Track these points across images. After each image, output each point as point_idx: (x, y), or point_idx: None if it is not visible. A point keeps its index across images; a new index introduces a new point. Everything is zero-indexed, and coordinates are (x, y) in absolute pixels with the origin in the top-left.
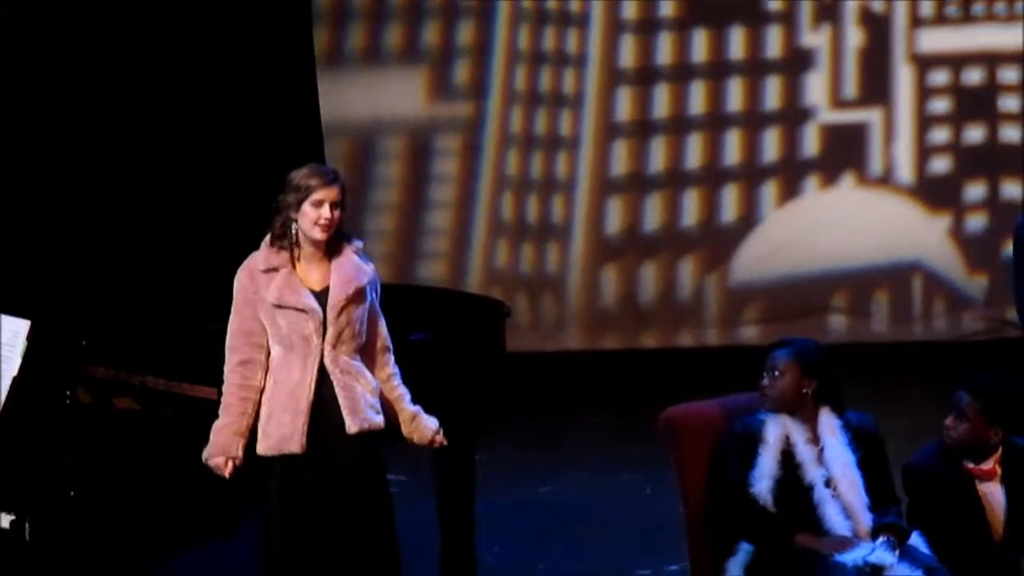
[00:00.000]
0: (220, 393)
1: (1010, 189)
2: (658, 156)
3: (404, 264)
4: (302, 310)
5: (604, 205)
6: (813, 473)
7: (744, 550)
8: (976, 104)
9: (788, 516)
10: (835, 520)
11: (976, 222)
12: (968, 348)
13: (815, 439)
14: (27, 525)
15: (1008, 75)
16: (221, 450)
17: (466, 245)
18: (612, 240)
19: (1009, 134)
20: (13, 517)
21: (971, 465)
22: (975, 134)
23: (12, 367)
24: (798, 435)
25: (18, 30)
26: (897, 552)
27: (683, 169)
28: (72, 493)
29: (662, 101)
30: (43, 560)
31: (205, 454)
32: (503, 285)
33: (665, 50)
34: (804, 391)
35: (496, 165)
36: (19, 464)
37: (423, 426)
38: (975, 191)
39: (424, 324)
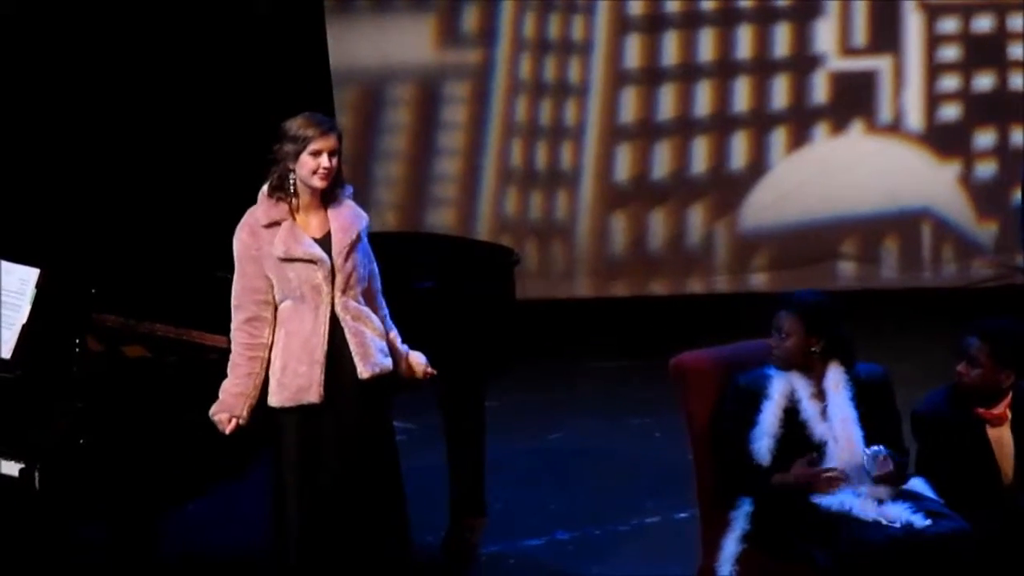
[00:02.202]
0: (229, 342)
1: (1019, 137)
2: (667, 103)
3: (413, 211)
4: (310, 260)
5: (613, 152)
6: (816, 429)
7: (748, 502)
8: (985, 52)
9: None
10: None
11: (985, 169)
12: (977, 295)
13: (820, 395)
14: (37, 473)
15: (1017, 23)
16: (226, 408)
17: (475, 192)
18: (621, 187)
19: (1018, 82)
20: (23, 465)
21: (981, 410)
22: (984, 82)
23: (22, 315)
24: (803, 391)
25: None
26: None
27: (692, 116)
28: (81, 441)
29: (671, 48)
30: (52, 508)
31: (211, 410)
32: (512, 232)
33: None
34: (811, 349)
35: (505, 112)
36: (29, 412)
37: (414, 361)
38: (984, 138)
39: (433, 271)
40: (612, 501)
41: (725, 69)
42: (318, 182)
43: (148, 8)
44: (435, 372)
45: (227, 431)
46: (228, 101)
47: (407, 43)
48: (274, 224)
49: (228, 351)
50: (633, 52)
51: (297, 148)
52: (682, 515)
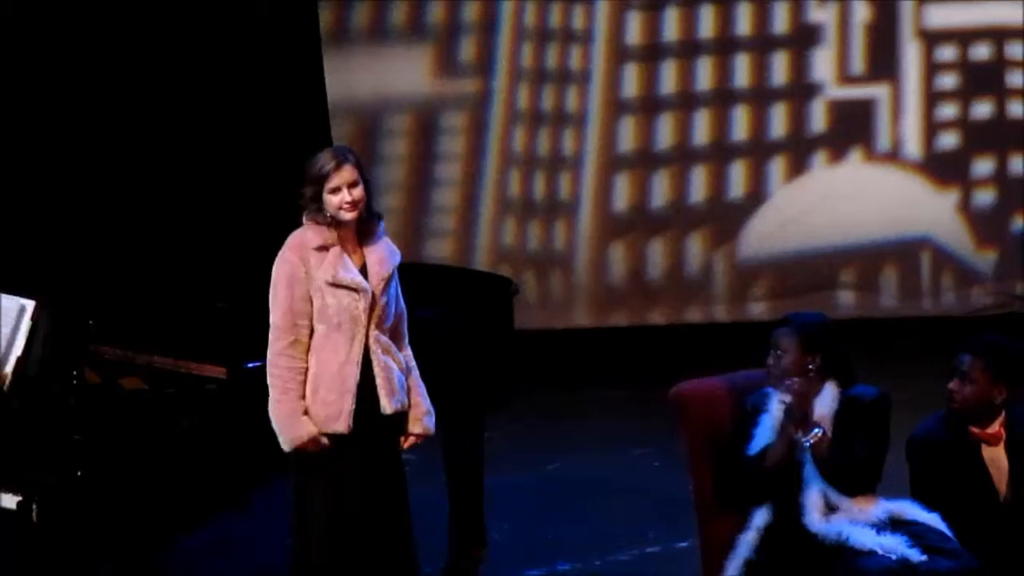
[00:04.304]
0: (228, 372)
1: (1018, 164)
2: (665, 132)
3: (412, 242)
4: (355, 289)
5: (611, 182)
6: (798, 448)
7: (755, 528)
8: (983, 79)
9: (778, 485)
10: (813, 494)
11: (984, 197)
12: (977, 322)
13: (811, 411)
14: (34, 506)
15: (1015, 50)
16: (309, 435)
17: (473, 223)
18: (620, 217)
19: (1016, 109)
20: (20, 498)
21: (976, 429)
22: (983, 109)
23: (17, 347)
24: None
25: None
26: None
27: (691, 145)
28: (79, 473)
29: (669, 77)
30: (50, 541)
31: (288, 444)
32: (511, 262)
33: (672, 26)
34: (808, 366)
35: (503, 142)
36: (26, 445)
37: (421, 422)
38: (983, 166)
39: (433, 302)
40: (613, 531)
41: (723, 98)
42: (346, 215)
43: (148, 41)
44: (414, 443)
45: (327, 445)
46: (226, 134)
47: (404, 74)
48: (323, 248)
49: (225, 382)
50: (631, 81)
51: (316, 190)
52: (683, 544)
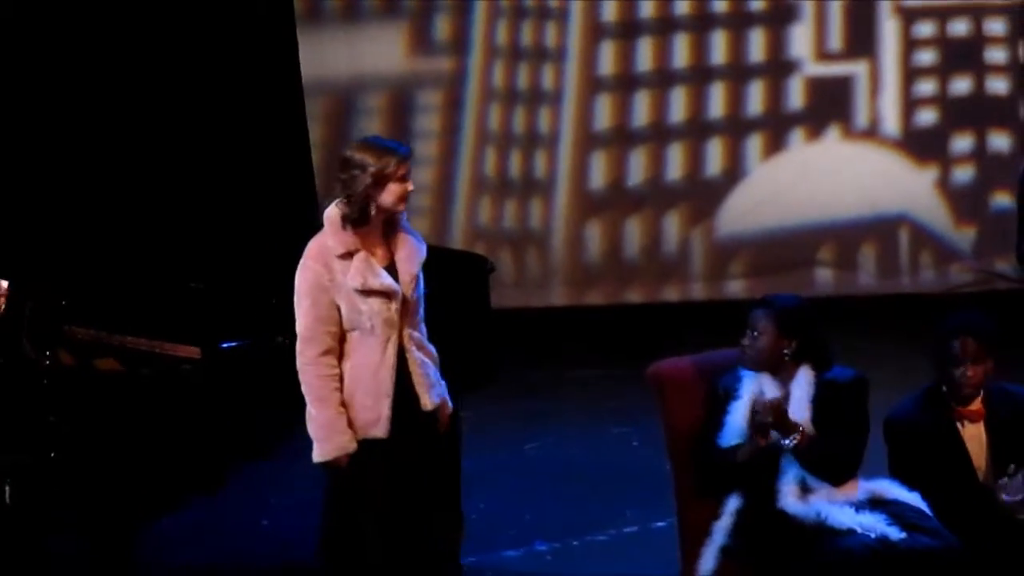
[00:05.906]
0: (203, 353)
1: (997, 141)
2: (642, 110)
3: None
4: (385, 293)
5: (588, 160)
6: (774, 432)
7: (729, 513)
8: (962, 56)
9: (753, 470)
10: (789, 480)
11: (963, 174)
12: (956, 300)
13: (786, 398)
14: (7, 487)
15: (994, 26)
16: (342, 449)
17: (449, 201)
18: (596, 195)
19: (995, 86)
20: None
21: (960, 408)
22: (961, 86)
23: None
24: (770, 393)
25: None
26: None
27: (667, 123)
28: (53, 455)
29: (646, 54)
30: (24, 523)
31: (321, 456)
32: (487, 241)
33: (648, 2)
34: (784, 351)
35: (479, 120)
36: None
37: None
38: (962, 143)
39: None
40: (590, 511)
41: (700, 75)
42: (402, 206)
43: (119, 21)
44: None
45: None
46: (200, 113)
47: (379, 52)
48: (347, 254)
49: (200, 362)
50: (607, 58)
51: (386, 177)
52: (660, 524)
